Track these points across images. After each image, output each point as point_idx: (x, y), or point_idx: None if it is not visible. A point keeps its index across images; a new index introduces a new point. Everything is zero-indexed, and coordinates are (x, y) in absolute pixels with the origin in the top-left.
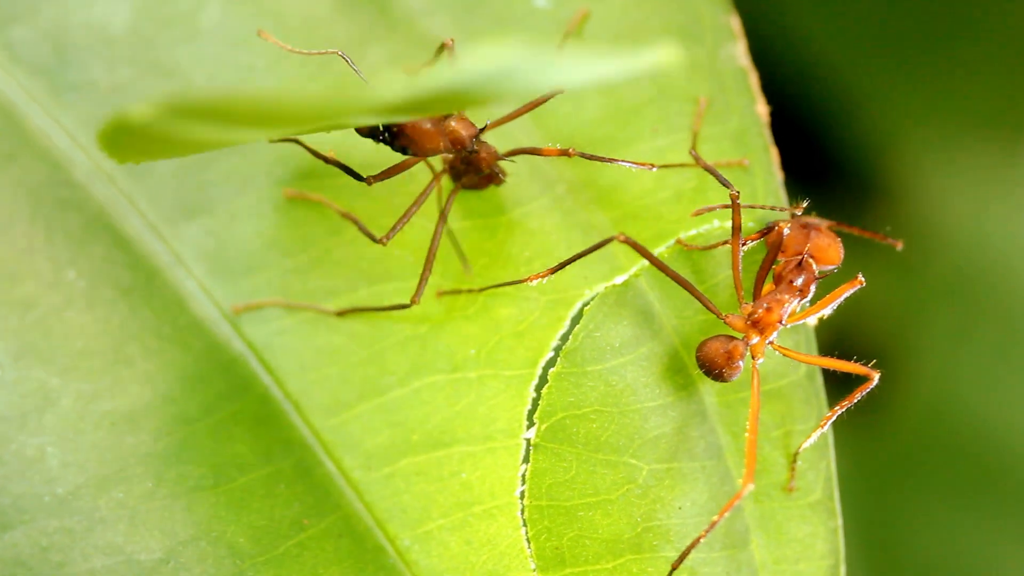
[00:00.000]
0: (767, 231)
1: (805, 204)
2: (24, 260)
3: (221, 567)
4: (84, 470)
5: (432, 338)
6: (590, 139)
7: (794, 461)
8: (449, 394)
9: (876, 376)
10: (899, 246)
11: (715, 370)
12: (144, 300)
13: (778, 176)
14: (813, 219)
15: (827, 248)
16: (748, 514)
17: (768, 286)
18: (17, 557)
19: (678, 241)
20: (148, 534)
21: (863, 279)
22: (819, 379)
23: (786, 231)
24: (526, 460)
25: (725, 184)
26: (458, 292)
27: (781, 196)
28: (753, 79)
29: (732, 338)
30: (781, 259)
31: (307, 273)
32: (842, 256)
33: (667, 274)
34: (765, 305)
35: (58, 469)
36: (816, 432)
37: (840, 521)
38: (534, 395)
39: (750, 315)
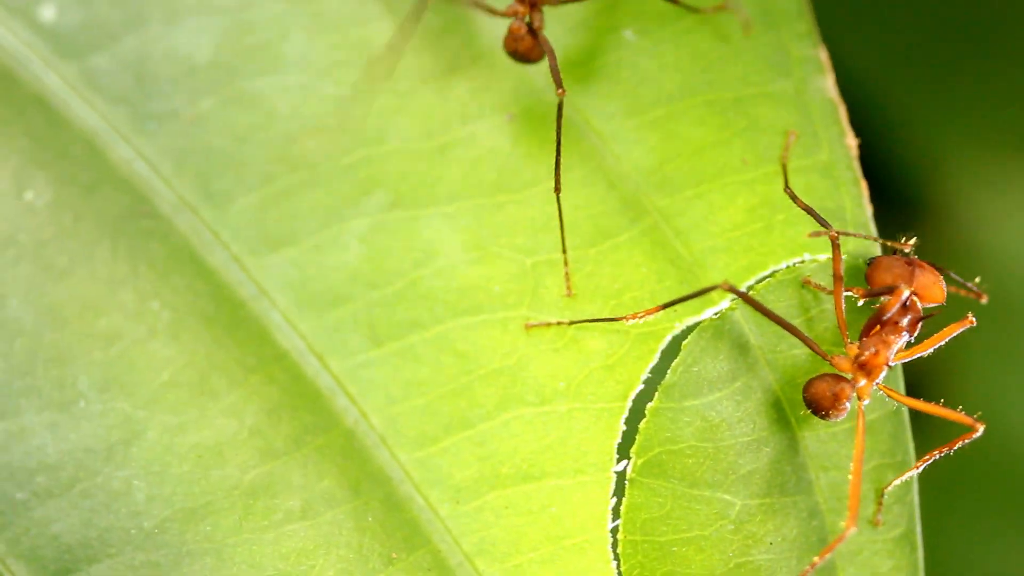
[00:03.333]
0: (878, 291)
1: (912, 241)
2: (107, 291)
3: None
4: (170, 503)
5: (521, 371)
6: (680, 171)
7: (881, 496)
8: (538, 427)
9: (981, 429)
10: (983, 299)
11: (822, 410)
12: (228, 332)
13: (868, 209)
14: (914, 257)
15: (931, 286)
16: (836, 549)
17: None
18: None
19: (805, 281)
20: (236, 568)
21: (974, 319)
22: (905, 415)
23: (905, 294)
24: (617, 494)
25: (824, 225)
26: (548, 325)
27: (871, 228)
28: (842, 112)
29: (840, 379)
30: (885, 297)
31: (393, 305)
32: (945, 294)
33: (773, 319)
34: (873, 349)
35: (144, 502)
36: (909, 472)
37: (921, 554)
38: (624, 428)
39: (857, 357)
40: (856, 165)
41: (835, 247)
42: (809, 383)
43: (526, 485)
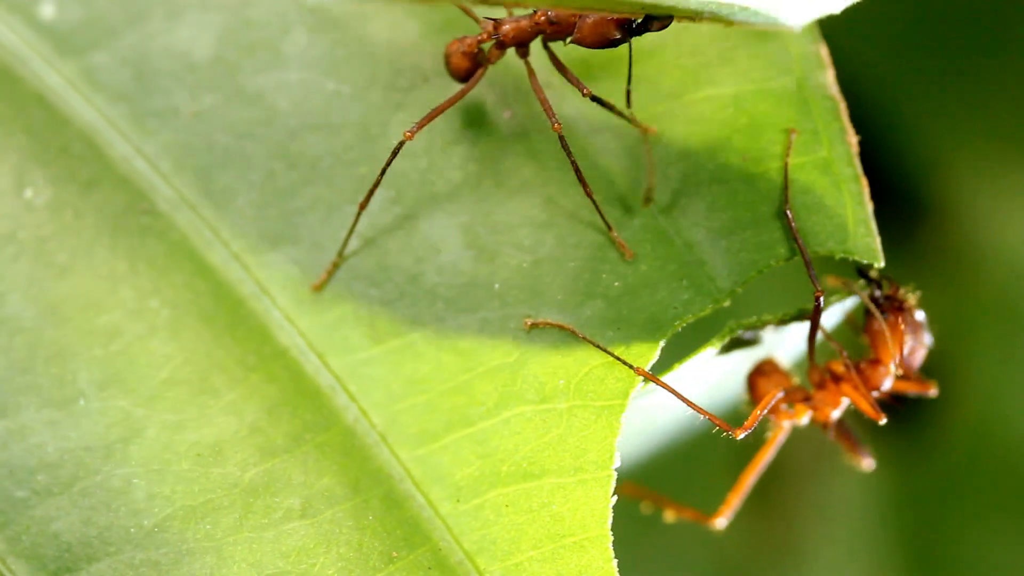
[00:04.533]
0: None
1: (918, 302)
2: (107, 288)
3: None
4: (171, 502)
5: (521, 368)
6: (681, 170)
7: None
8: (538, 424)
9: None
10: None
11: (751, 397)
12: (228, 329)
13: (869, 207)
14: (906, 312)
15: (913, 354)
16: None
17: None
18: None
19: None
20: (236, 567)
21: (936, 392)
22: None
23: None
24: (617, 492)
25: (812, 281)
26: (548, 325)
27: (872, 226)
28: (842, 109)
29: (788, 396)
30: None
31: (394, 303)
32: (920, 364)
33: None
34: (825, 406)
35: (144, 501)
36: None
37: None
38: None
39: (811, 399)
40: (857, 162)
41: (816, 308)
42: (759, 371)
43: (526, 483)
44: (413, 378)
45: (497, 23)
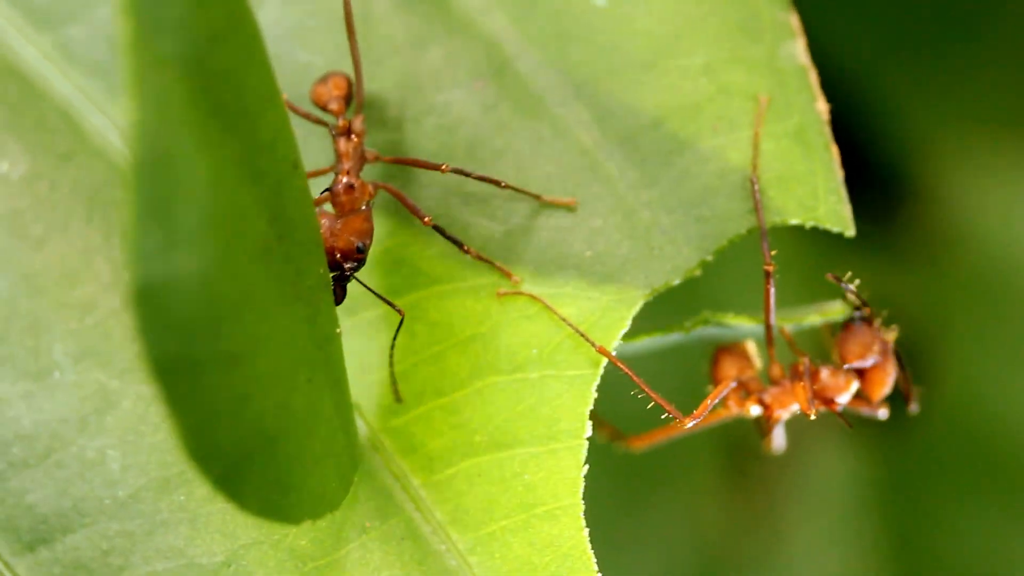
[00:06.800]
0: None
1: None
2: (82, 261)
3: (283, 570)
4: (145, 473)
5: (493, 338)
6: (651, 139)
7: None
8: (511, 395)
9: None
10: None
11: (712, 380)
12: None
13: (839, 174)
14: (880, 332)
15: (879, 382)
16: None
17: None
18: (78, 560)
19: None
20: (209, 537)
21: (885, 416)
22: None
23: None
24: (589, 461)
25: (765, 253)
26: (519, 294)
27: (842, 193)
28: (812, 76)
29: (743, 389)
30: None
31: (367, 274)
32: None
33: None
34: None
35: (119, 472)
36: None
37: None
38: (596, 395)
39: (761, 395)
40: (827, 130)
41: (767, 284)
42: (727, 349)
43: (499, 453)
44: (386, 350)
45: (350, 127)
